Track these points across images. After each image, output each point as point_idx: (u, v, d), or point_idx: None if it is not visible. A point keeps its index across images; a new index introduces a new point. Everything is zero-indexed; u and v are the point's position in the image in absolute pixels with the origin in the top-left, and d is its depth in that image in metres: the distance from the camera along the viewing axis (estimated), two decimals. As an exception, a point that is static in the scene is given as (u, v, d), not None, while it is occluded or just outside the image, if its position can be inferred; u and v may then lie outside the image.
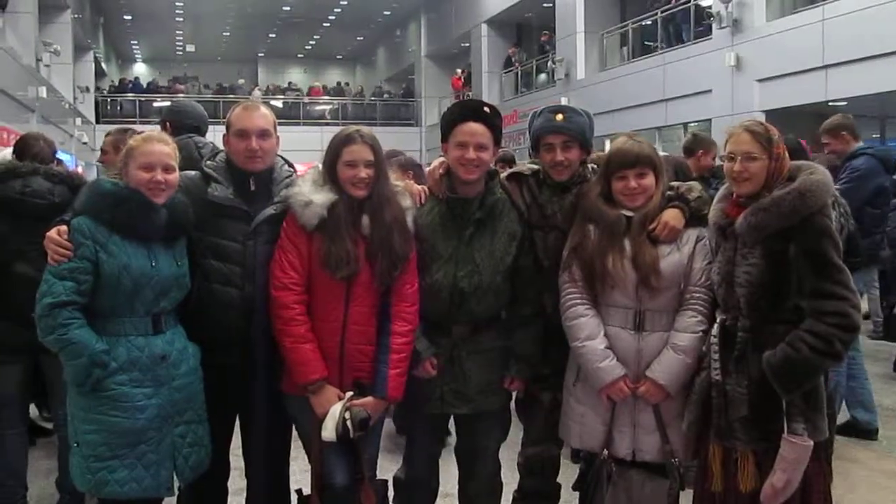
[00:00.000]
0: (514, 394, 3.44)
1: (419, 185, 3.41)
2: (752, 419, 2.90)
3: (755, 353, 2.89)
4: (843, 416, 5.30)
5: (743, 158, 2.89)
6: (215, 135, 3.37)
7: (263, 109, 3.24)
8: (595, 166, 3.39)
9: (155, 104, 28.13)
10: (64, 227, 2.89)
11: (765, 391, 2.86)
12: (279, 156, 3.33)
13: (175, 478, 2.98)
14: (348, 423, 2.96)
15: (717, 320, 3.00)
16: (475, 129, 3.15)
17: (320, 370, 3.02)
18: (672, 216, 3.11)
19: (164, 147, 2.99)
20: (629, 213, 3.11)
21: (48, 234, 2.90)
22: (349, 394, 3.04)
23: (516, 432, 3.55)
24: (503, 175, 3.43)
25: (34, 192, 3.73)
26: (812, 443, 2.82)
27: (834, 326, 2.76)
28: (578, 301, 3.16)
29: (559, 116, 3.30)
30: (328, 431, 2.98)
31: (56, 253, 2.85)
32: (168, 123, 4.48)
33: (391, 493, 3.40)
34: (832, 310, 2.77)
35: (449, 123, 3.22)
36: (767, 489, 2.85)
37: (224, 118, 3.30)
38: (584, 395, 3.21)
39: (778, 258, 2.84)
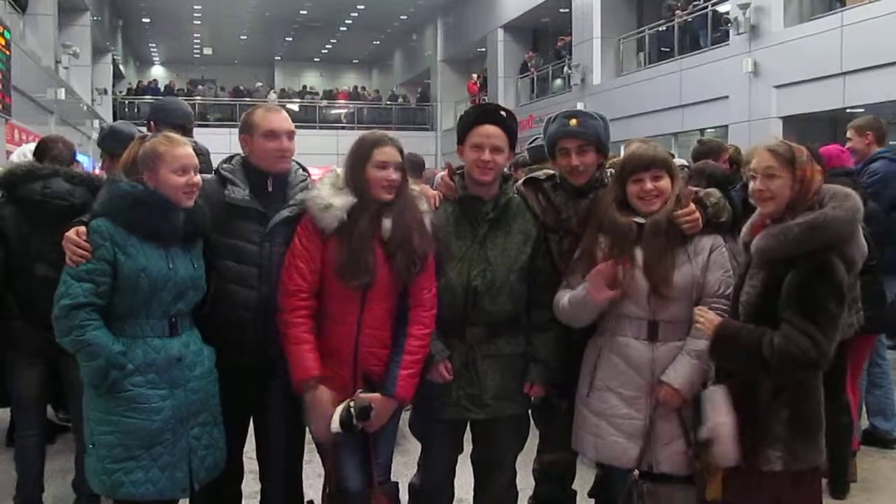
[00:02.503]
0: (531, 400, 3.43)
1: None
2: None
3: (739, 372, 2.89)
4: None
5: (763, 176, 2.84)
6: (231, 137, 3.38)
7: (285, 112, 3.30)
8: (614, 171, 3.37)
9: (172, 107, 28.22)
10: (83, 229, 2.89)
11: (744, 410, 2.84)
12: (293, 160, 3.35)
13: (193, 480, 2.99)
14: (352, 410, 2.96)
15: None
16: (491, 132, 3.17)
17: (313, 370, 3.01)
18: (696, 210, 3.09)
19: (191, 150, 3.01)
20: (641, 221, 3.09)
21: (66, 234, 2.90)
22: (359, 390, 3.04)
23: (531, 438, 3.53)
24: (519, 182, 3.43)
25: (54, 193, 3.74)
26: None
27: (790, 355, 2.68)
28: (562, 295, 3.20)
29: (573, 121, 3.30)
30: (333, 423, 2.98)
31: (74, 254, 2.86)
32: (153, 123, 4.45)
33: (406, 498, 3.39)
34: (802, 346, 2.67)
35: (466, 126, 3.24)
36: None
37: (240, 121, 3.32)
38: (599, 406, 3.17)
39: (775, 284, 2.78)
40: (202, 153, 3.81)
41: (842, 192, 2.86)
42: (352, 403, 2.97)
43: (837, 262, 2.73)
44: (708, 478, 2.94)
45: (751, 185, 2.92)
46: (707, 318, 2.90)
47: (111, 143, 4.39)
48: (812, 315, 2.69)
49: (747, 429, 2.83)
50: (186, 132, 4.40)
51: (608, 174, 3.37)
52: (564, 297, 3.18)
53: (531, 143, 5.47)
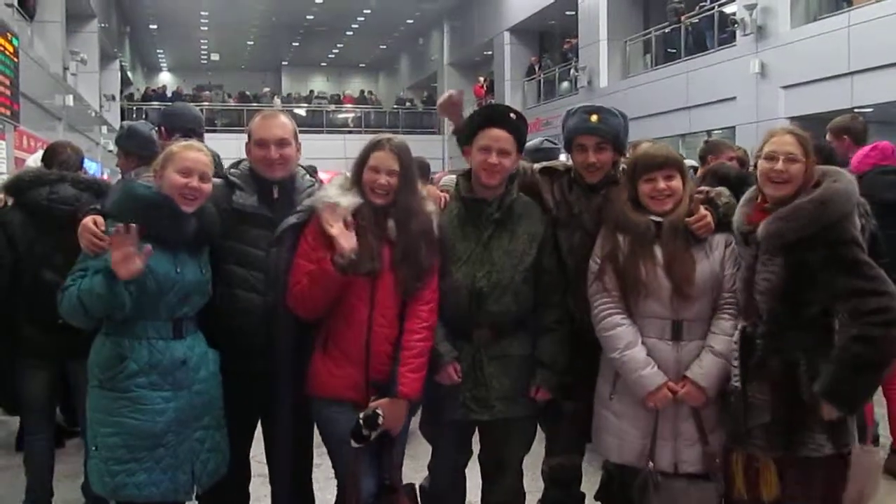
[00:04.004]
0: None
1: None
2: (773, 426, 2.87)
3: (775, 359, 2.87)
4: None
5: (785, 159, 2.87)
6: (238, 142, 3.43)
7: (283, 118, 3.27)
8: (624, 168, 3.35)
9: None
10: (100, 219, 2.89)
11: (786, 398, 2.84)
12: (301, 166, 3.35)
13: (195, 484, 2.99)
14: (360, 421, 2.96)
15: (738, 327, 2.99)
16: (499, 135, 3.16)
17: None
18: (707, 214, 3.09)
19: (204, 157, 3.01)
20: (658, 219, 3.08)
21: (83, 222, 2.88)
22: (372, 397, 3.04)
23: (539, 441, 3.52)
24: (537, 168, 3.41)
25: (60, 198, 3.75)
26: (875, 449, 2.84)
27: (880, 325, 2.71)
28: (613, 311, 3.12)
29: (594, 117, 3.26)
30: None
31: (91, 244, 2.84)
32: (163, 128, 4.46)
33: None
34: (875, 307, 2.71)
35: (474, 128, 3.23)
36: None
37: (247, 126, 3.33)
38: (622, 408, 3.16)
39: (799, 266, 2.81)
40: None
41: (832, 168, 2.99)
42: (361, 415, 2.98)
43: (851, 227, 2.80)
44: (760, 472, 2.93)
45: (761, 164, 2.94)
46: (825, 412, 2.82)
47: (127, 142, 4.43)
48: (864, 273, 2.75)
49: (793, 418, 2.84)
50: (197, 136, 4.42)
51: (621, 171, 3.34)
52: (623, 336, 3.08)
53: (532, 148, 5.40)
